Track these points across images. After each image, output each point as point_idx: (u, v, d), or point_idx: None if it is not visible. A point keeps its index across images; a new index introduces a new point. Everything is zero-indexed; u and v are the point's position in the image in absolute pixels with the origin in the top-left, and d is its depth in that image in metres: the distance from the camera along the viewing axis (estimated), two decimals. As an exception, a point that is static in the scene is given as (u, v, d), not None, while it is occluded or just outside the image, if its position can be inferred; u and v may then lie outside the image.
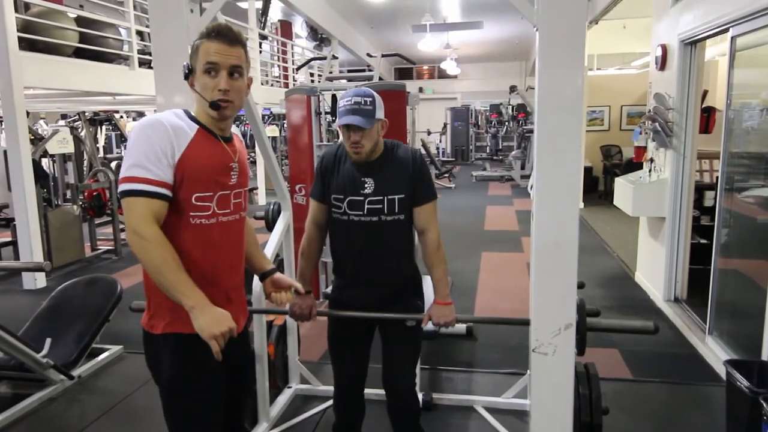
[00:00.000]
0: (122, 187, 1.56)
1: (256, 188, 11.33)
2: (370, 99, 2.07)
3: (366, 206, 2.12)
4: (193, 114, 1.70)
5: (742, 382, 2.55)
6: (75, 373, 3.57)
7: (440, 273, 2.19)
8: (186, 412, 1.71)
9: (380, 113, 2.09)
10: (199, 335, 1.54)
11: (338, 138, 4.80)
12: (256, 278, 2.68)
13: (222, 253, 1.71)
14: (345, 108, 2.05)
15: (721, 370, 3.34)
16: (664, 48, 4.70)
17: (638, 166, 5.41)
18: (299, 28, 14.47)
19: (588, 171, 10.43)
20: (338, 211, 2.17)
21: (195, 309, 1.53)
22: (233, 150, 1.75)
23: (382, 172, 2.14)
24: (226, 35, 1.63)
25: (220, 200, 1.68)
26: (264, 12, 11.65)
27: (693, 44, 4.34)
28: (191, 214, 1.63)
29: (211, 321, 1.53)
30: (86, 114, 8.68)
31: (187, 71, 1.67)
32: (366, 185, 2.13)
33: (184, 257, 1.60)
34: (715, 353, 3.66)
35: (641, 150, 5.18)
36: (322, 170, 2.22)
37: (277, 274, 2.06)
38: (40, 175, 6.01)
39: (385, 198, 2.12)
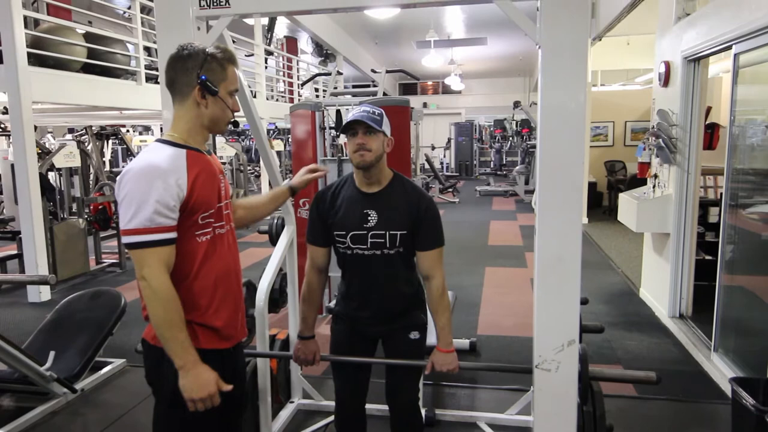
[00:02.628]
0: (132, 239, 1.58)
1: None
2: (379, 111, 2.11)
3: (369, 240, 2.13)
4: (170, 139, 1.72)
5: (748, 400, 2.53)
6: (78, 386, 3.57)
7: (444, 320, 2.18)
8: (184, 424, 1.73)
9: (387, 129, 2.12)
10: (203, 352, 1.65)
11: (342, 153, 4.83)
12: (258, 297, 2.70)
13: (223, 264, 1.78)
14: (353, 115, 2.08)
15: (727, 388, 3.32)
16: (668, 65, 4.73)
17: (642, 182, 5.41)
18: (305, 43, 14.60)
19: (592, 186, 10.43)
20: (342, 246, 2.18)
21: (182, 370, 1.61)
22: (215, 161, 1.83)
23: (386, 204, 2.14)
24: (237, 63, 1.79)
25: (216, 213, 1.75)
26: (270, 28, 11.78)
27: (696, 61, 4.36)
28: (196, 233, 1.70)
29: (194, 385, 1.61)
30: (93, 128, 8.75)
31: (215, 89, 1.70)
32: (369, 218, 2.12)
33: (192, 274, 1.70)
34: (721, 371, 3.63)
35: (645, 166, 5.18)
36: (319, 214, 2.20)
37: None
38: (46, 188, 6.05)
39: (387, 233, 2.12)
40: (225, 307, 1.78)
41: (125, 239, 1.59)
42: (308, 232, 2.25)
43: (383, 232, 2.12)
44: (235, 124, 1.79)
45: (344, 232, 2.14)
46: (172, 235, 1.62)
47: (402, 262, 2.19)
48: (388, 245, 2.13)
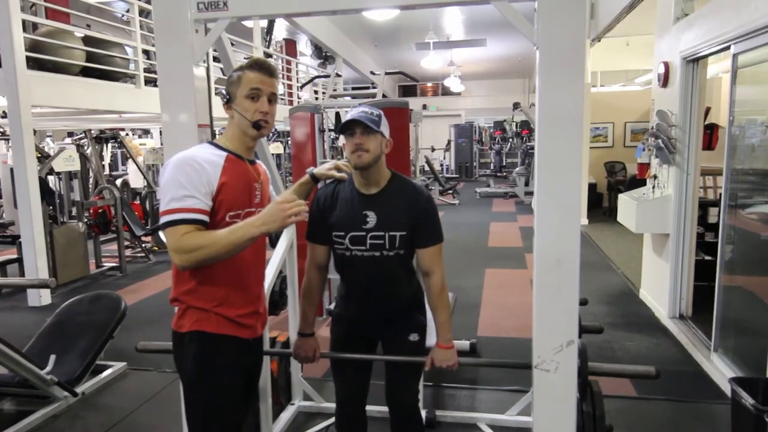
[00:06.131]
0: (164, 219, 1.71)
1: (261, 205, 11.33)
2: (377, 113, 2.10)
3: (368, 241, 2.11)
4: (217, 143, 1.90)
5: (747, 399, 2.53)
6: (79, 389, 3.57)
7: (443, 317, 2.18)
8: (205, 404, 1.85)
9: (385, 130, 2.11)
10: (220, 337, 1.82)
11: (342, 156, 4.83)
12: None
13: (247, 264, 1.89)
14: (351, 115, 2.08)
15: (727, 388, 3.32)
16: (667, 65, 4.73)
17: (642, 183, 5.42)
18: (304, 46, 14.61)
19: (592, 187, 10.43)
20: (341, 247, 2.16)
21: (263, 226, 1.67)
22: (257, 171, 1.96)
23: (385, 206, 2.12)
24: (267, 68, 1.87)
25: (245, 217, 1.83)
26: (269, 31, 11.79)
27: (695, 61, 4.36)
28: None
29: (270, 220, 1.67)
30: (92, 132, 8.75)
31: (227, 98, 1.87)
32: (368, 219, 2.11)
33: (216, 267, 1.79)
34: (721, 371, 3.63)
35: (644, 166, 5.18)
36: (320, 212, 2.19)
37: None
38: (46, 192, 6.05)
39: (387, 234, 2.10)
40: (242, 302, 1.88)
41: (161, 220, 1.70)
42: (308, 229, 2.24)
43: (382, 233, 2.11)
44: (256, 125, 1.84)
45: (343, 233, 2.13)
46: (203, 217, 1.72)
47: (401, 265, 2.19)
48: (387, 247, 2.12)
